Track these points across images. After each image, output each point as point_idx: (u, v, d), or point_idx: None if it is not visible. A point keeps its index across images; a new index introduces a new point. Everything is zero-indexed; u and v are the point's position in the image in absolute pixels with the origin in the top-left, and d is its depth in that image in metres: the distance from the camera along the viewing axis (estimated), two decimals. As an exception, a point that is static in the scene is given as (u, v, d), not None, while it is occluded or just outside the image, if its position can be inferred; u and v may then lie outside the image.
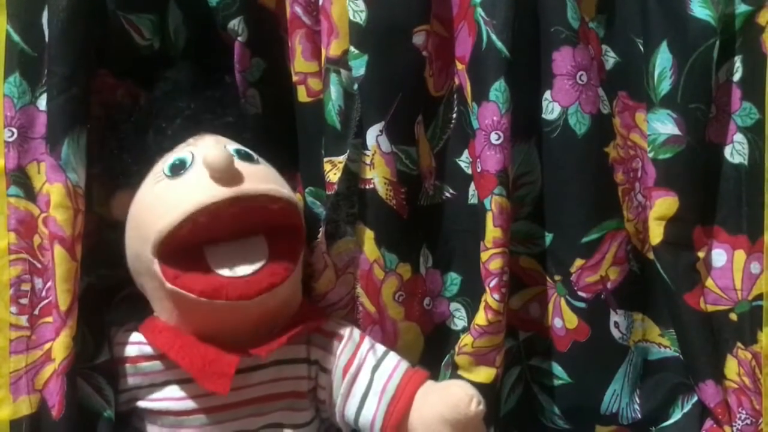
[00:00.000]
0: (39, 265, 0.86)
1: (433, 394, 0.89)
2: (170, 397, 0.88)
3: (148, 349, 0.88)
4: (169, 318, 0.87)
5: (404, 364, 0.92)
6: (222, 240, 0.84)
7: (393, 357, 0.93)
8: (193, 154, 0.85)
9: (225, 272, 0.83)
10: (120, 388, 0.88)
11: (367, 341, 0.93)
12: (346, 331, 0.93)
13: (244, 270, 0.83)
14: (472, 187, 0.98)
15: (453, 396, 0.87)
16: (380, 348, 0.93)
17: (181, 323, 0.86)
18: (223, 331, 0.86)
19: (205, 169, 0.82)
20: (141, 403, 0.89)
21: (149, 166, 0.88)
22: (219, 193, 0.82)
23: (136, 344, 0.89)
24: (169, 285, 0.83)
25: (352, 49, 0.91)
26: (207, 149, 0.83)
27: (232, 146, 0.88)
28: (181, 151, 0.87)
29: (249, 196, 0.83)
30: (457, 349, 0.96)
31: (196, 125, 0.89)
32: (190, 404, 0.87)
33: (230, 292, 0.82)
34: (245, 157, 0.87)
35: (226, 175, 0.82)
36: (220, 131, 0.90)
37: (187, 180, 0.84)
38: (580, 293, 0.97)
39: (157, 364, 0.88)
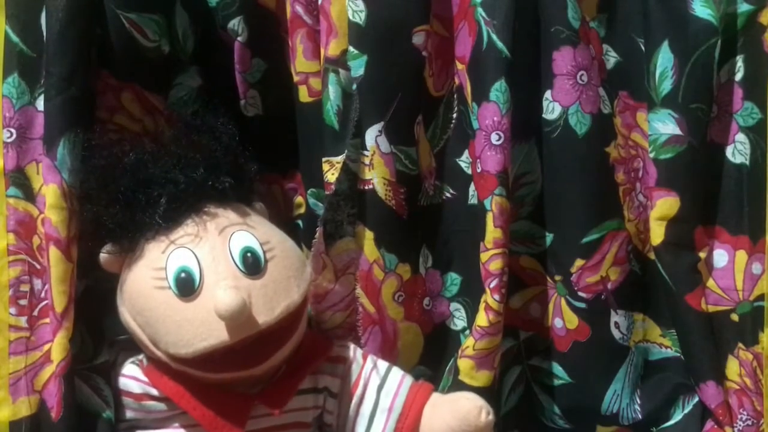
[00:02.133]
0: (38, 266, 0.86)
1: (442, 407, 0.90)
2: (176, 427, 0.87)
3: (153, 391, 0.87)
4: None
5: (408, 380, 0.93)
6: None
7: (396, 373, 0.93)
8: (199, 265, 0.82)
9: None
10: (120, 418, 0.88)
11: (369, 360, 0.94)
12: (349, 354, 0.94)
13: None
14: (472, 187, 0.98)
15: (462, 408, 0.88)
16: (383, 365, 0.94)
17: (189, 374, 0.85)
18: (231, 383, 0.86)
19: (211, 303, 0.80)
20: None
21: (134, 239, 0.85)
22: (230, 336, 0.80)
23: (141, 383, 0.88)
24: (174, 365, 0.83)
25: (351, 49, 0.90)
26: (217, 293, 0.80)
27: (240, 243, 0.84)
28: (182, 255, 0.83)
29: (262, 330, 0.82)
30: (459, 352, 0.96)
31: (191, 199, 0.85)
32: None
33: (232, 367, 0.83)
34: (253, 269, 0.83)
35: (240, 322, 0.80)
36: (218, 198, 0.87)
37: (197, 312, 0.81)
38: (580, 293, 0.97)
39: (161, 405, 0.87)
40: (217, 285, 0.80)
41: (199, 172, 0.86)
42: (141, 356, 0.89)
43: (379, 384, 0.92)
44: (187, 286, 0.81)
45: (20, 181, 0.85)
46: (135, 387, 0.88)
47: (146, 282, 0.83)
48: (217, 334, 0.80)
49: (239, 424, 0.84)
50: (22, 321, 0.84)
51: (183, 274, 0.81)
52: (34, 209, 0.86)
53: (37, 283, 0.85)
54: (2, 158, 0.85)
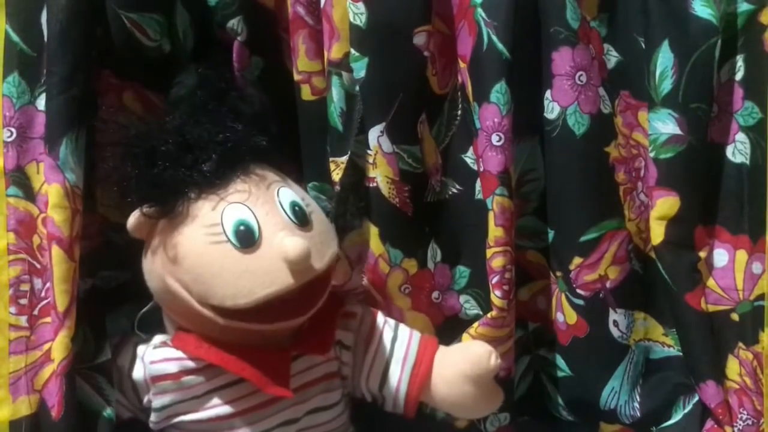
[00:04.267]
0: (38, 266, 0.86)
1: (453, 355, 0.95)
2: (216, 404, 0.89)
3: (190, 364, 0.88)
4: (206, 333, 0.87)
5: (417, 333, 0.97)
6: None
7: (405, 327, 0.98)
8: (256, 218, 0.83)
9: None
10: (159, 406, 0.89)
11: (380, 315, 0.97)
12: (359, 310, 0.97)
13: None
14: (479, 182, 0.98)
15: (475, 353, 0.92)
16: (392, 320, 0.97)
17: (217, 336, 0.87)
18: (261, 338, 0.88)
19: (275, 251, 0.82)
20: (183, 417, 0.89)
21: (180, 198, 0.84)
22: (295, 280, 0.82)
23: (176, 360, 0.89)
24: (224, 321, 0.83)
25: (352, 51, 0.91)
26: (284, 241, 0.82)
27: (287, 197, 0.87)
28: (237, 209, 0.84)
29: (317, 276, 0.84)
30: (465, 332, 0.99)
31: (237, 157, 0.87)
32: (238, 406, 0.89)
33: (285, 315, 0.85)
34: (302, 221, 0.86)
35: (303, 267, 0.82)
36: (259, 156, 0.89)
37: (259, 262, 0.82)
38: (578, 291, 0.97)
39: (199, 378, 0.89)
40: (277, 235, 0.83)
41: (241, 132, 0.88)
42: (160, 338, 0.91)
43: (392, 336, 0.96)
44: (247, 238, 0.82)
45: (20, 180, 0.86)
46: (172, 367, 0.89)
47: (200, 239, 0.83)
48: (282, 281, 0.82)
49: (284, 379, 0.87)
50: (22, 320, 0.85)
51: (242, 227, 0.83)
52: (34, 208, 0.86)
53: (37, 282, 0.86)
54: (2, 157, 0.85)
